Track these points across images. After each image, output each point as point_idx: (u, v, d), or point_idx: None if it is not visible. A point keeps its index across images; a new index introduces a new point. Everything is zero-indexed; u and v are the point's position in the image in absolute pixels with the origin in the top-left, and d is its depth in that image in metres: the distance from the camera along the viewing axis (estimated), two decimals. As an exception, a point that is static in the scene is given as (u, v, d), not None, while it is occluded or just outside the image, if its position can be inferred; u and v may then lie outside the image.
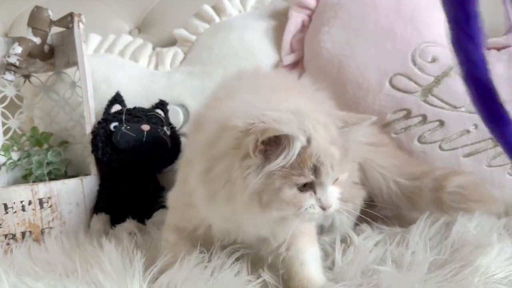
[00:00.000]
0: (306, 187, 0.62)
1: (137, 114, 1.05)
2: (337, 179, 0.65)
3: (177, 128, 1.14)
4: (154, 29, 1.47)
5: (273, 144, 0.59)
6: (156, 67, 1.26)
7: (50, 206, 0.98)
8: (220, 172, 0.62)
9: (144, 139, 1.01)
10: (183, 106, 1.17)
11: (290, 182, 0.60)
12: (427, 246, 0.78)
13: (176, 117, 1.16)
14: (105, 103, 1.14)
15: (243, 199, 0.61)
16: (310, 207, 0.63)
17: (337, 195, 0.65)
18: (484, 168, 1.04)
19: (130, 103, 1.14)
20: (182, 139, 1.13)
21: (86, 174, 1.09)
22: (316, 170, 0.61)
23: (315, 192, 0.63)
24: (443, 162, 1.04)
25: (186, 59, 1.26)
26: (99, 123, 1.06)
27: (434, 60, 1.06)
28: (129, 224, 0.95)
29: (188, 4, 1.42)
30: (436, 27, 1.11)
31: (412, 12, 1.10)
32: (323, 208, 0.63)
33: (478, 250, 0.72)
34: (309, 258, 0.74)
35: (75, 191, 1.01)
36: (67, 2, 1.53)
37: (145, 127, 1.02)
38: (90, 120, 1.08)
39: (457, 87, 1.04)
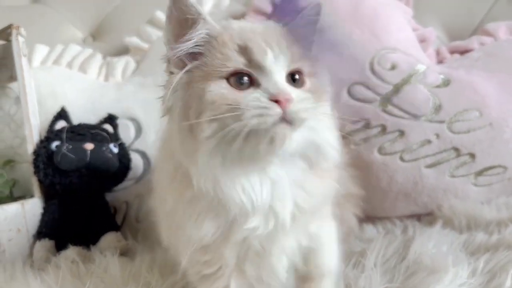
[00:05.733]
0: (244, 85, 0.51)
1: (80, 132, 0.98)
2: (295, 75, 0.54)
3: (127, 144, 1.08)
4: (109, 36, 1.41)
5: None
6: (106, 78, 1.19)
7: (-12, 234, 0.91)
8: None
9: (88, 159, 0.95)
10: (134, 120, 1.11)
11: (214, 75, 0.51)
12: (382, 270, 0.74)
13: (126, 132, 1.09)
14: (51, 118, 1.07)
15: (176, 127, 0.53)
16: (253, 100, 0.50)
17: (301, 95, 0.53)
18: (447, 178, 1.01)
19: (77, 119, 1.07)
20: (133, 155, 1.07)
21: (32, 195, 1.03)
22: (246, 50, 0.52)
23: (259, 85, 0.52)
24: (404, 174, 1.00)
25: (138, 69, 1.20)
26: (41, 142, 1.00)
27: (393, 67, 1.02)
28: (72, 252, 0.89)
29: (145, 10, 1.35)
30: (396, 32, 1.07)
31: (370, 18, 1.06)
32: (276, 100, 0.49)
33: (432, 276, 0.67)
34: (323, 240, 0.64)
35: (16, 217, 0.95)
36: (18, 10, 1.46)
37: (89, 146, 0.95)
38: (32, 139, 1.01)
39: (417, 95, 1.00)
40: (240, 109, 0.49)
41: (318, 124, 0.56)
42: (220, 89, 0.51)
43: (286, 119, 0.50)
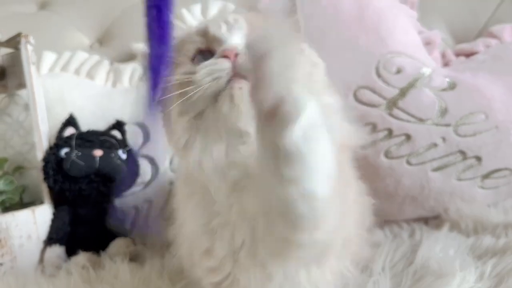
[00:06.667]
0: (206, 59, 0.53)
1: (89, 138, 0.99)
2: None
3: (136, 149, 1.09)
4: (116, 42, 1.41)
5: None
6: (114, 84, 1.20)
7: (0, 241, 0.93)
8: None
9: (97, 165, 0.96)
10: (142, 126, 1.12)
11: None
12: (390, 274, 0.75)
13: (135, 137, 1.10)
14: (60, 125, 1.08)
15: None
16: (205, 65, 0.51)
17: None
18: (454, 182, 1.01)
19: (85, 125, 1.08)
20: (142, 161, 1.08)
21: (42, 202, 1.04)
22: (205, 31, 0.55)
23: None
24: (411, 178, 1.00)
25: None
26: (50, 148, 1.01)
27: (399, 71, 1.02)
28: (82, 258, 0.90)
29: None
30: (401, 36, 1.07)
31: (375, 22, 1.06)
32: (226, 55, 0.50)
33: (439, 280, 0.68)
34: None
35: (27, 223, 0.96)
36: (25, 17, 1.48)
37: (98, 153, 0.97)
38: (42, 146, 1.02)
39: (423, 99, 1.00)
40: (196, 77, 0.50)
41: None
42: (183, 70, 0.53)
43: (240, 74, 0.49)
